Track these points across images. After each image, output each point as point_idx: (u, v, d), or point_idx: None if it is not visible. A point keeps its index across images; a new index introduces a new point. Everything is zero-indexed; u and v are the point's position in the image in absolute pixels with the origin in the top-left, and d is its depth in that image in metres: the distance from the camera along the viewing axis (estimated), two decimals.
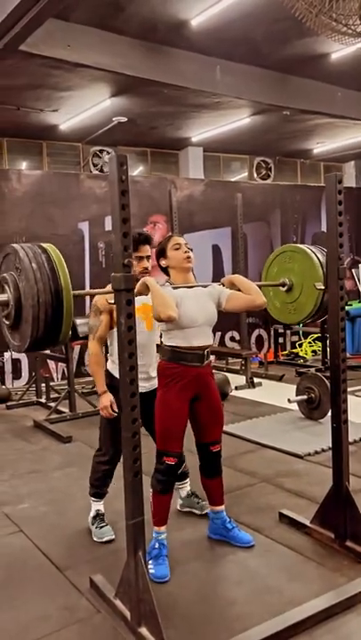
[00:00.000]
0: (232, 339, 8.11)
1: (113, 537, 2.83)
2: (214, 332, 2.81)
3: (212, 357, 2.87)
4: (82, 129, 9.19)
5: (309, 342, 8.48)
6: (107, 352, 3.03)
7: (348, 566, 2.54)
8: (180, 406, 2.59)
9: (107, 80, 7.15)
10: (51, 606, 2.35)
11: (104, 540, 2.82)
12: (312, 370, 6.39)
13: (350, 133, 10.52)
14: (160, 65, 6.99)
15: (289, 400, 4.95)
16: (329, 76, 8.10)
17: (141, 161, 11.02)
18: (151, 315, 2.82)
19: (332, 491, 2.71)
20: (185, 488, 3.15)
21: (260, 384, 6.58)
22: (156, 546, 2.58)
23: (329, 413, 2.73)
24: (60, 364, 6.86)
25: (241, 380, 6.48)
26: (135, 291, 2.42)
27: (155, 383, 2.88)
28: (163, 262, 2.68)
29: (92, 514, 2.94)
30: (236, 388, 6.19)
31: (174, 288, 2.58)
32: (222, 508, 2.81)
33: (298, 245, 3.10)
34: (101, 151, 10.28)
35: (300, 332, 8.62)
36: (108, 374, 2.89)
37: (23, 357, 6.76)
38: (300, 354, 8.38)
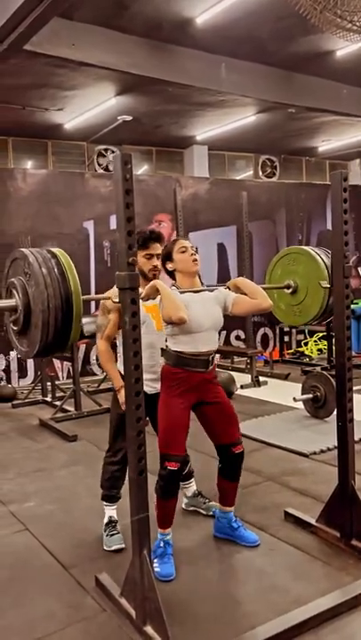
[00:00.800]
0: (237, 337, 8.10)
1: (122, 546, 2.75)
2: (219, 331, 2.79)
3: (216, 356, 2.87)
4: (87, 128, 9.20)
5: (315, 341, 8.46)
6: (117, 352, 3.01)
7: (354, 565, 2.53)
8: (181, 410, 2.57)
9: (111, 79, 7.16)
10: (56, 604, 2.36)
11: (112, 548, 2.76)
12: (318, 368, 6.37)
13: (356, 131, 10.48)
14: (165, 63, 6.99)
15: (294, 399, 4.94)
16: (334, 73, 8.08)
17: (146, 160, 11.02)
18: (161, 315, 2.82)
19: (338, 489, 2.70)
20: (190, 488, 3.15)
21: (265, 383, 6.57)
22: (162, 545, 2.58)
23: (335, 412, 2.71)
24: (65, 362, 6.88)
25: (246, 378, 6.48)
26: (144, 294, 2.42)
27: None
28: (169, 266, 2.66)
29: (105, 520, 2.89)
30: (242, 387, 6.18)
31: (181, 292, 2.56)
32: (231, 509, 2.81)
33: (302, 247, 3.07)
34: (106, 150, 10.28)
35: (306, 331, 8.60)
36: (121, 375, 2.87)
37: None
38: (306, 352, 8.36)
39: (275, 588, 2.40)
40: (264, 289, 2.73)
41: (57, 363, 6.93)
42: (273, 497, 3.35)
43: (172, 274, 2.67)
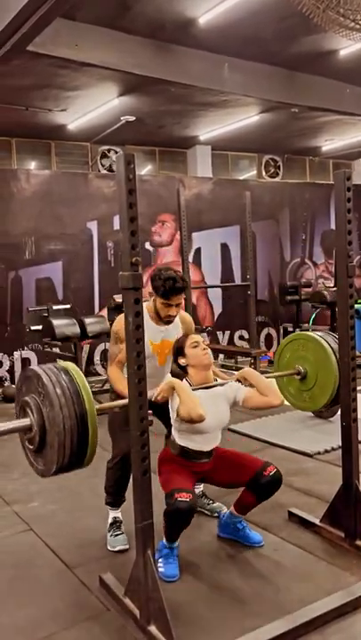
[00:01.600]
0: (241, 337, 8.09)
1: (126, 547, 2.75)
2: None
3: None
4: (90, 128, 9.21)
5: None
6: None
7: (359, 565, 2.52)
8: (183, 468, 2.60)
9: (114, 79, 7.16)
10: (60, 604, 2.36)
11: (116, 549, 2.76)
12: None
13: (359, 130, 10.45)
14: (168, 63, 6.99)
15: None
16: (337, 72, 8.05)
17: (149, 160, 11.03)
18: (167, 351, 2.83)
19: (342, 490, 2.69)
20: (197, 488, 3.14)
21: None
22: (167, 545, 2.58)
23: (338, 412, 2.71)
24: None
25: None
26: (159, 394, 2.45)
27: None
28: (182, 361, 2.64)
29: (110, 520, 2.89)
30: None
31: (193, 389, 2.54)
32: (241, 517, 2.80)
33: (309, 334, 3.02)
34: (109, 150, 10.29)
35: (310, 331, 8.57)
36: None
37: (33, 356, 6.79)
38: None
39: (279, 588, 2.39)
40: (274, 377, 2.78)
41: None
42: (277, 497, 3.31)
43: (183, 368, 2.65)
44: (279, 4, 5.66)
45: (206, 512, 3.11)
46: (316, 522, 2.85)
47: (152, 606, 2.09)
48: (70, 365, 2.18)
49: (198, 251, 7.97)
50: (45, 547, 2.87)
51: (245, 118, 9.17)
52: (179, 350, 2.65)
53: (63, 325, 5.51)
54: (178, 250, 7.35)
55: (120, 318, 2.73)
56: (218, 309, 8.03)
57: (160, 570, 2.45)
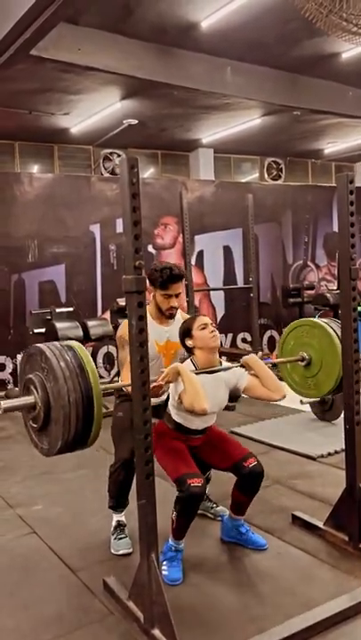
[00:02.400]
0: (244, 340, 8.09)
1: (130, 550, 2.75)
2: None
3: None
4: (92, 132, 9.24)
5: None
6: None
7: None
8: (177, 442, 2.61)
9: (117, 83, 7.19)
10: (64, 607, 2.36)
11: (119, 552, 2.76)
12: None
13: None
14: (170, 67, 7.01)
15: (302, 401, 4.90)
16: (339, 75, 8.07)
17: (152, 163, 11.05)
18: (172, 352, 2.84)
19: (346, 493, 2.69)
20: None
21: None
22: (172, 549, 2.57)
23: (342, 415, 2.71)
24: None
25: None
26: (164, 378, 2.43)
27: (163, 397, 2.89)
28: (189, 343, 2.62)
29: (114, 524, 2.89)
30: None
31: (197, 373, 2.53)
32: (242, 518, 2.79)
33: (314, 320, 3.00)
34: (112, 154, 10.32)
35: None
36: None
37: None
38: None
39: (282, 592, 2.39)
40: (278, 364, 2.79)
41: None
42: (280, 500, 3.34)
43: (190, 349, 2.64)
44: (281, 8, 5.68)
45: (210, 515, 3.11)
46: (320, 525, 2.84)
47: (156, 610, 2.09)
48: (74, 342, 2.17)
49: (201, 253, 7.98)
50: (49, 550, 2.87)
51: (248, 121, 9.19)
52: (186, 332, 2.63)
53: (66, 328, 5.52)
54: (180, 252, 7.36)
55: (125, 323, 2.73)
56: (220, 312, 8.04)
57: (164, 573, 2.45)
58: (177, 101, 7.96)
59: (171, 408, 2.65)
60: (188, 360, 2.63)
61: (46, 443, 2.14)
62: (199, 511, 3.10)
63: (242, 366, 2.68)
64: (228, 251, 8.22)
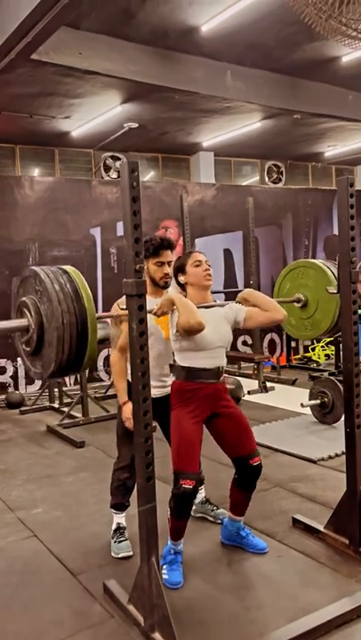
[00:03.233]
0: (244, 343, 8.10)
1: (130, 553, 2.75)
2: None
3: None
4: (93, 135, 9.27)
5: (322, 346, 8.44)
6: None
7: None
8: (194, 424, 2.52)
9: (118, 87, 7.21)
10: (64, 611, 2.36)
11: (120, 555, 2.76)
12: (325, 374, 6.35)
13: None
14: (171, 71, 7.03)
15: (302, 404, 4.92)
16: (340, 79, 8.10)
17: (153, 166, 11.08)
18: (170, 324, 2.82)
19: (346, 496, 2.69)
20: (200, 494, 3.14)
21: (272, 388, 6.55)
22: (172, 552, 2.57)
23: (342, 418, 2.71)
24: None
25: (253, 384, 6.46)
26: (158, 310, 2.42)
27: (168, 390, 2.88)
28: (181, 278, 2.62)
29: (114, 526, 2.89)
30: (249, 393, 6.17)
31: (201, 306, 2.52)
32: (241, 519, 2.79)
33: (310, 260, 3.02)
34: (113, 157, 10.34)
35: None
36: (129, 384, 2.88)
37: None
38: (313, 358, 8.33)
39: (283, 595, 2.39)
40: (281, 302, 2.72)
41: None
42: (281, 503, 3.34)
43: (183, 286, 2.64)
44: (281, 12, 5.70)
45: (210, 518, 3.10)
46: (321, 528, 2.84)
47: (156, 613, 2.09)
48: (69, 267, 2.16)
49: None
50: (49, 553, 2.87)
51: (248, 125, 9.21)
52: (180, 267, 2.61)
53: None
54: (170, 252, 7.35)
55: (120, 301, 2.74)
56: None
57: (164, 577, 2.45)
58: (177, 105, 7.99)
59: (176, 356, 2.59)
60: None
61: (39, 366, 2.13)
62: (199, 514, 3.12)
63: (238, 303, 2.66)
64: (228, 254, 8.22)
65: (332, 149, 11.50)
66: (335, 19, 3.04)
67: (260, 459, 2.65)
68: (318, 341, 8.52)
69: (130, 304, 2.08)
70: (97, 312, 2.10)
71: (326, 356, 8.34)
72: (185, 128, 9.36)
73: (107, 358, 7.18)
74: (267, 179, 12.00)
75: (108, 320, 6.31)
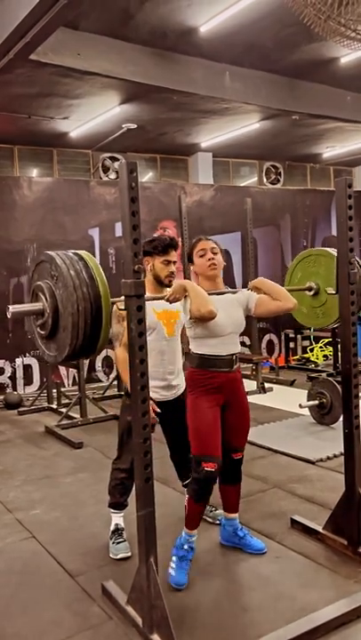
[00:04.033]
0: (243, 343, 8.09)
1: (128, 554, 2.75)
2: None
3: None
4: (92, 136, 9.26)
5: (321, 347, 8.44)
6: None
7: None
8: (211, 408, 2.51)
9: (116, 87, 7.21)
10: (63, 612, 2.35)
11: (118, 557, 2.76)
12: (323, 375, 6.35)
13: (360, 137, 10.49)
14: (169, 72, 7.03)
15: (300, 405, 4.93)
16: (338, 80, 8.10)
17: (151, 167, 11.07)
18: (172, 320, 2.82)
19: (345, 497, 2.69)
20: None
21: (271, 389, 6.56)
22: (185, 547, 2.55)
23: (341, 418, 2.71)
24: (70, 369, 6.89)
25: (252, 385, 6.46)
26: (171, 296, 2.43)
27: (177, 392, 2.89)
28: (191, 268, 2.67)
29: (112, 527, 2.89)
30: (247, 394, 6.16)
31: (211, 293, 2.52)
32: (235, 515, 2.79)
33: (323, 249, 2.98)
34: (111, 158, 10.34)
35: (312, 337, 8.59)
36: None
37: (35, 363, 6.80)
38: (312, 359, 8.34)
39: (282, 596, 2.39)
40: (290, 291, 2.70)
41: (62, 370, 6.95)
42: (279, 504, 3.34)
43: (195, 277, 2.67)
44: (280, 13, 5.71)
45: (209, 519, 3.10)
46: (319, 529, 2.84)
47: (155, 614, 2.09)
48: (84, 253, 2.18)
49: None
50: (48, 554, 2.86)
51: (247, 125, 9.21)
52: (188, 257, 2.66)
53: None
54: (179, 256, 7.36)
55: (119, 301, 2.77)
56: None
57: (170, 571, 2.45)
58: (176, 106, 7.98)
59: (191, 343, 2.59)
60: None
61: (54, 350, 2.16)
62: None
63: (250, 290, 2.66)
64: (226, 254, 8.17)
65: (330, 150, 11.51)
66: (334, 19, 3.05)
67: (242, 455, 2.71)
68: (317, 342, 8.52)
69: (129, 305, 2.08)
70: None
71: (325, 356, 8.34)
72: (183, 129, 9.36)
73: (105, 359, 7.18)
74: (265, 179, 12.00)
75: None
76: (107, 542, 2.86)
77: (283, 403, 5.80)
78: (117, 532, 2.86)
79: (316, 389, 4.96)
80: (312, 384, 5.12)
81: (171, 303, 2.51)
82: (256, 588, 2.46)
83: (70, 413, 5.44)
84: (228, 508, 2.78)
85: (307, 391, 5.10)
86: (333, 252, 2.88)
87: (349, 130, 9.84)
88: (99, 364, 7.21)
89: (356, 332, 2.65)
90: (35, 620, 2.32)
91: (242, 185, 11.54)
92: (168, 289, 2.82)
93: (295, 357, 8.49)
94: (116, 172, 9.98)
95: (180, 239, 7.04)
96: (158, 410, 2.73)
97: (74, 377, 6.91)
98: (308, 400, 4.97)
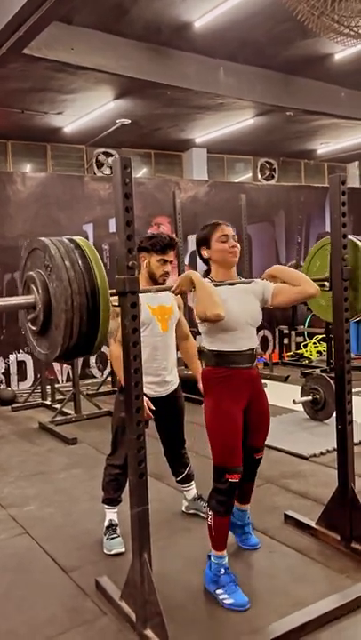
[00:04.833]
0: None
1: (122, 550, 2.75)
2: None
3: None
4: (85, 131, 9.23)
5: (314, 343, 8.47)
6: None
7: (354, 568, 2.53)
8: (235, 414, 2.35)
9: (110, 82, 7.18)
10: (57, 608, 2.36)
11: (112, 552, 2.76)
12: (317, 371, 6.37)
13: (354, 133, 10.51)
14: (163, 67, 7.01)
15: (294, 401, 4.94)
16: (333, 76, 8.11)
17: (145, 162, 11.05)
18: (167, 316, 2.80)
19: (338, 492, 2.70)
20: (191, 491, 3.14)
21: (265, 385, 6.48)
22: (222, 572, 2.36)
23: (334, 414, 2.72)
24: (64, 365, 6.87)
25: None
26: (177, 288, 2.27)
27: (170, 388, 2.87)
28: (204, 253, 2.40)
29: (106, 523, 2.88)
30: None
31: (215, 285, 2.30)
32: (248, 506, 2.75)
33: (353, 239, 2.68)
34: (105, 153, 10.30)
35: (305, 333, 8.61)
36: None
37: (28, 359, 6.78)
38: (305, 355, 8.36)
39: (275, 591, 2.40)
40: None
41: (56, 366, 6.93)
42: (273, 499, 3.35)
43: (206, 261, 2.43)
44: (274, 9, 5.70)
45: (202, 515, 3.10)
46: (312, 524, 2.85)
47: (149, 610, 2.09)
48: (82, 240, 1.96)
49: (194, 253, 7.98)
50: (41, 550, 2.86)
51: (241, 121, 9.21)
52: (204, 240, 2.38)
53: None
54: (174, 252, 7.35)
55: (113, 298, 2.74)
56: None
57: (227, 602, 2.27)
58: (170, 101, 7.97)
59: (204, 340, 2.40)
60: (207, 279, 2.37)
61: (45, 348, 1.96)
62: (192, 510, 3.13)
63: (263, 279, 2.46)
64: None
65: (324, 147, 11.52)
66: (328, 16, 3.04)
67: (262, 455, 2.64)
68: (310, 338, 8.55)
69: (122, 301, 2.08)
70: None
71: (318, 352, 8.37)
72: (178, 124, 9.34)
73: (99, 355, 7.17)
74: (259, 175, 12.00)
75: None
76: (100, 538, 2.87)
77: (277, 398, 5.80)
78: (111, 527, 2.86)
79: (309, 385, 4.98)
80: (306, 380, 5.13)
81: (176, 295, 2.45)
82: (249, 582, 2.47)
83: (64, 409, 5.43)
84: (242, 500, 2.71)
85: (300, 387, 5.12)
86: (356, 239, 2.65)
87: (344, 126, 9.85)
88: (93, 360, 7.19)
89: (350, 328, 2.66)
90: (29, 616, 2.33)
91: (236, 181, 11.53)
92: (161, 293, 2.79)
93: (289, 353, 8.51)
94: (111, 168, 9.95)
95: (174, 235, 7.04)
96: (153, 407, 2.72)
97: (68, 373, 6.90)
98: (302, 396, 4.99)
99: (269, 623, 2.14)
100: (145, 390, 2.77)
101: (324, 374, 5.14)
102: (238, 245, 2.40)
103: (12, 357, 6.69)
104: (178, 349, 2.99)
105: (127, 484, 2.42)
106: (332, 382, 4.64)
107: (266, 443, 4.26)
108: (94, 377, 7.13)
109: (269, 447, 4.27)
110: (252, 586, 2.44)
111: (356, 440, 3.02)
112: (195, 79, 7.33)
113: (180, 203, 6.69)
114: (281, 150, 11.65)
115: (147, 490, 2.14)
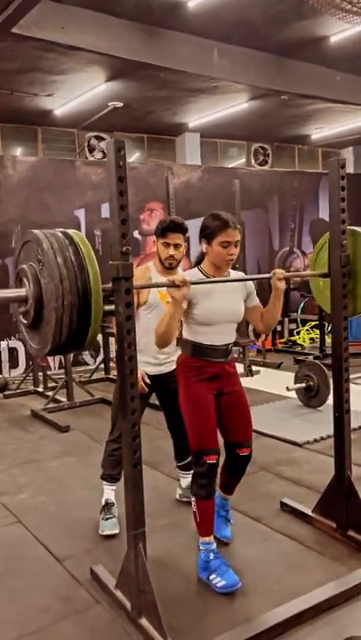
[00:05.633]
0: None
1: (116, 531, 2.75)
2: None
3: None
4: (77, 114, 9.06)
5: (307, 330, 8.47)
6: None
7: (350, 556, 2.52)
8: (206, 397, 2.41)
9: (102, 63, 7.03)
10: (50, 597, 2.33)
11: (104, 533, 2.76)
12: (310, 357, 6.37)
13: (349, 118, 10.40)
14: (156, 48, 6.86)
15: (287, 388, 4.93)
16: (328, 59, 7.98)
17: (138, 147, 10.89)
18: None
19: (334, 480, 2.69)
20: (187, 479, 3.12)
21: (258, 372, 6.56)
22: (211, 557, 2.38)
23: (328, 401, 2.69)
24: None
25: (239, 367, 6.42)
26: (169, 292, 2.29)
27: (163, 369, 2.90)
28: (203, 246, 2.44)
29: (102, 501, 2.90)
30: None
31: (208, 282, 2.38)
32: (230, 497, 2.75)
33: (352, 227, 2.63)
34: (97, 137, 10.14)
35: (298, 320, 8.60)
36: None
37: (20, 346, 6.71)
38: (298, 341, 8.36)
39: (270, 579, 2.39)
40: (309, 276, 2.74)
41: None
42: (267, 487, 3.34)
43: (202, 252, 2.48)
44: None
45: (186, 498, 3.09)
46: (308, 512, 2.84)
47: (143, 599, 2.08)
48: (77, 235, 1.93)
49: (187, 239, 7.90)
50: (34, 539, 2.84)
51: (235, 105, 9.07)
52: (208, 235, 2.40)
53: None
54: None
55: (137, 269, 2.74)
56: None
57: (219, 584, 2.28)
58: (163, 84, 7.82)
59: (184, 329, 2.47)
60: (196, 269, 2.47)
61: (36, 342, 1.97)
62: (185, 498, 3.11)
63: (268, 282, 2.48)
64: None
65: (318, 132, 11.41)
66: None
67: (250, 450, 2.56)
68: (303, 325, 8.54)
69: (117, 287, 2.02)
70: None
71: (311, 339, 8.37)
72: (171, 108, 9.19)
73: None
74: (253, 161, 11.89)
75: None
76: (94, 526, 2.85)
77: (270, 385, 5.81)
78: (107, 507, 2.88)
79: (303, 372, 4.96)
80: (299, 367, 5.12)
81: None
82: (243, 571, 2.45)
83: (57, 397, 5.39)
84: (226, 491, 2.72)
85: (294, 374, 5.10)
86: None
87: (338, 111, 9.74)
88: None
89: (347, 316, 2.62)
90: (21, 605, 2.30)
91: (230, 166, 11.42)
92: (171, 272, 2.82)
93: (282, 340, 8.51)
94: (103, 152, 9.81)
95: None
96: (148, 382, 2.77)
97: (60, 360, 6.84)
98: (295, 383, 4.98)
99: (264, 612, 2.13)
100: (144, 368, 2.82)
101: (317, 361, 5.13)
102: (236, 252, 2.42)
103: (3, 344, 6.62)
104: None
105: None
106: (325, 369, 4.63)
107: (260, 429, 4.34)
108: (87, 364, 7.09)
109: (263, 434, 4.28)
110: (247, 574, 2.43)
111: (351, 426, 3.00)
112: (188, 61, 7.19)
113: (174, 188, 6.58)
114: (275, 135, 11.52)
115: (141, 479, 2.11)
